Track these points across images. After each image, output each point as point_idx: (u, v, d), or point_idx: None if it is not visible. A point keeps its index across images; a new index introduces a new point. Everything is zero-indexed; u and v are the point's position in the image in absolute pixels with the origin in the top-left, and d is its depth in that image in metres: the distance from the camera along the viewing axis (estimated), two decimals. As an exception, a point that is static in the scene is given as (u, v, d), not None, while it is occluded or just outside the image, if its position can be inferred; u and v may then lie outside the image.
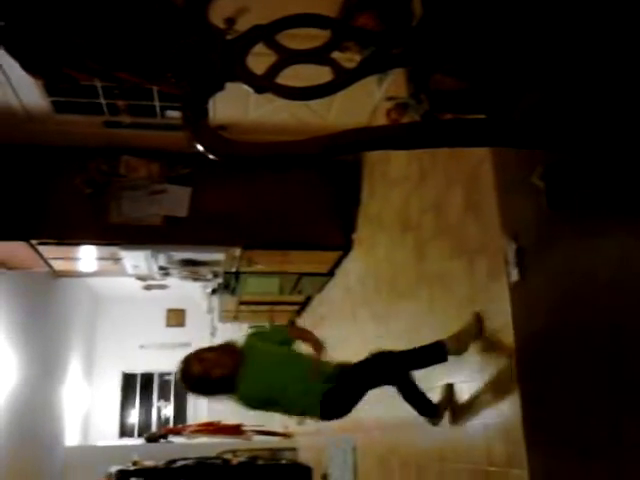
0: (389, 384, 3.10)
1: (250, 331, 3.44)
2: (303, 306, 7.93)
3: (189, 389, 2.97)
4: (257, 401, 2.95)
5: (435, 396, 3.41)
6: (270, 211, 5.22)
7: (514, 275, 2.68)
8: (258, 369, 2.88)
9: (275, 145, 1.76)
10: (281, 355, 2.99)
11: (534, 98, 1.61)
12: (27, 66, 2.09)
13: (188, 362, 2.91)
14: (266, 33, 1.75)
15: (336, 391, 2.90)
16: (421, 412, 3.22)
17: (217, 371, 2.83)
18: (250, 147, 1.78)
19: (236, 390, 2.87)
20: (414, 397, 3.18)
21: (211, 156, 1.73)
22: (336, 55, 1.78)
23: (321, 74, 1.75)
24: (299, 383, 2.87)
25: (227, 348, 2.96)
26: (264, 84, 1.71)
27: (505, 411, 2.73)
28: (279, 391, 2.88)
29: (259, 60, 1.79)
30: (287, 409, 3.05)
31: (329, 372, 2.94)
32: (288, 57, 1.73)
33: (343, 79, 1.69)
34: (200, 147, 1.73)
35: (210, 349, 2.98)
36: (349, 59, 1.91)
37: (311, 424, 7.29)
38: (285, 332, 3.38)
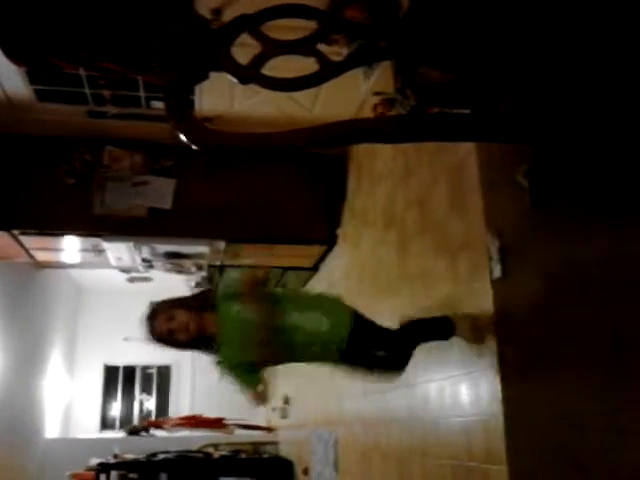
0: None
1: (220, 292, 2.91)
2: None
3: (152, 340, 2.68)
4: (235, 367, 2.63)
5: (418, 395, 3.41)
6: (255, 205, 5.19)
7: (497, 272, 2.68)
8: (235, 339, 2.61)
9: (260, 136, 1.75)
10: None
11: (518, 94, 1.61)
12: (10, 53, 2.06)
13: (155, 315, 2.63)
14: (251, 23, 1.74)
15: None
16: (440, 335, 2.92)
17: (182, 336, 2.58)
18: (234, 138, 1.77)
19: (219, 360, 2.63)
20: (421, 331, 2.88)
21: (194, 146, 1.71)
22: (324, 48, 1.77)
23: (307, 69, 1.74)
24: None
25: (202, 310, 2.64)
26: (249, 74, 1.70)
27: (486, 408, 2.74)
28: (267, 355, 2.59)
29: (244, 52, 1.78)
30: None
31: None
32: (273, 48, 1.72)
33: (329, 71, 1.68)
34: (183, 137, 1.71)
35: (184, 305, 2.64)
36: (337, 53, 1.90)
37: (295, 416, 7.29)
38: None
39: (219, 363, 2.66)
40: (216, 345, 2.62)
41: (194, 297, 2.77)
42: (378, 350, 2.84)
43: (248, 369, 2.63)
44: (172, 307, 2.65)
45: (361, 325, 2.73)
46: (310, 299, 2.86)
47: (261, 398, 2.76)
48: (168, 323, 2.58)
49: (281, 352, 2.63)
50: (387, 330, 2.84)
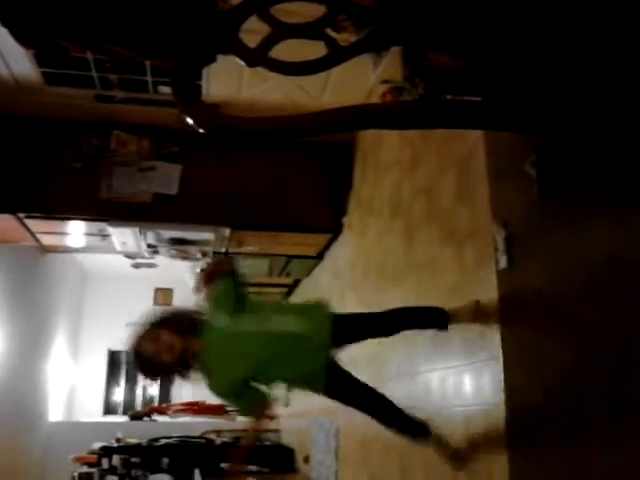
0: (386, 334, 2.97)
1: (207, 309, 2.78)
2: (291, 289, 7.92)
3: (136, 366, 2.63)
4: (233, 389, 2.60)
5: (420, 384, 3.41)
6: (261, 192, 5.19)
7: (503, 262, 2.67)
8: (225, 359, 2.57)
9: (268, 120, 1.74)
10: (252, 330, 2.60)
11: (530, 82, 1.59)
12: (18, 35, 2.05)
13: (141, 339, 2.57)
14: (261, 5, 1.72)
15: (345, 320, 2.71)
16: (409, 432, 2.87)
17: (166, 357, 2.50)
18: (242, 122, 1.76)
19: (208, 383, 2.58)
20: (396, 417, 2.84)
21: (201, 129, 1.70)
22: (332, 35, 1.76)
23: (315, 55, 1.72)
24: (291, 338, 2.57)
25: (188, 331, 2.57)
26: (257, 57, 1.69)
27: (488, 398, 2.74)
28: (257, 369, 2.56)
29: (251, 38, 1.76)
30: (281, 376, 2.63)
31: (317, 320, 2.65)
32: (282, 31, 1.70)
33: (337, 55, 1.67)
34: (190, 120, 1.71)
35: (168, 328, 2.57)
36: (345, 40, 1.88)
37: (296, 404, 7.31)
38: (227, 286, 2.75)
39: (211, 387, 2.61)
40: (203, 366, 2.56)
41: (179, 319, 2.63)
42: (366, 336, 2.86)
43: (241, 390, 2.58)
44: (155, 329, 2.57)
45: (342, 319, 2.72)
46: (286, 306, 2.82)
47: (265, 415, 2.71)
48: (152, 345, 2.52)
49: (267, 361, 2.57)
50: (371, 313, 2.88)
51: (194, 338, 2.56)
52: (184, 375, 2.61)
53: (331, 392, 2.71)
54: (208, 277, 2.87)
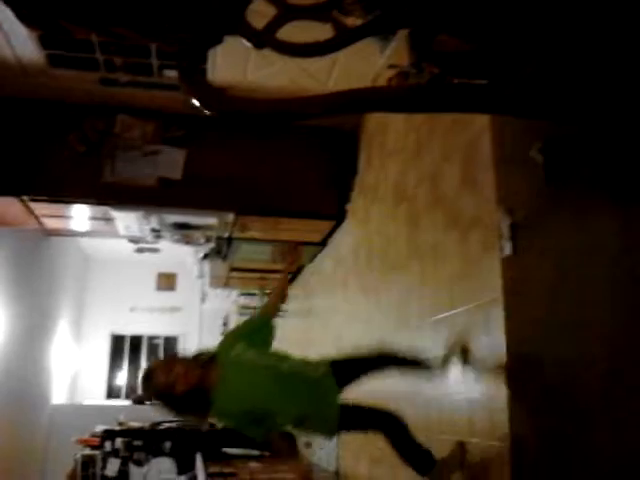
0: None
1: (223, 337, 3.03)
2: (294, 275, 7.92)
3: (154, 399, 2.65)
4: (236, 416, 2.63)
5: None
6: (265, 177, 5.17)
7: (507, 249, 2.66)
8: (235, 383, 2.61)
9: (274, 102, 1.73)
10: (262, 364, 2.71)
11: (540, 65, 1.58)
12: (23, 16, 2.03)
13: (154, 369, 2.63)
14: (268, -14, 1.70)
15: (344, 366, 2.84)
16: (416, 467, 2.80)
17: (181, 386, 2.50)
18: (247, 103, 1.74)
19: (216, 404, 2.59)
20: (407, 447, 2.80)
21: (206, 110, 1.69)
22: (340, 19, 1.74)
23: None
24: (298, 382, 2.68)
25: (200, 360, 2.64)
26: (264, 39, 1.67)
27: (491, 385, 2.74)
28: (267, 401, 2.61)
29: (257, 20, 1.74)
30: (284, 416, 2.68)
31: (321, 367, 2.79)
32: (288, 12, 1.69)
33: (345, 37, 1.65)
34: (195, 101, 1.69)
35: (181, 360, 2.64)
36: (353, 24, 1.86)
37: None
38: (258, 318, 3.06)
39: (221, 413, 2.67)
40: (216, 395, 2.57)
41: (195, 357, 2.69)
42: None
43: (252, 421, 2.60)
44: (170, 362, 2.64)
45: (340, 364, 2.84)
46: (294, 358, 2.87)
47: (287, 451, 2.91)
48: (167, 376, 2.53)
49: (274, 396, 2.62)
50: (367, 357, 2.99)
51: (209, 367, 2.61)
52: (201, 410, 2.64)
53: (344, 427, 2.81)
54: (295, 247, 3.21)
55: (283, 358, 2.78)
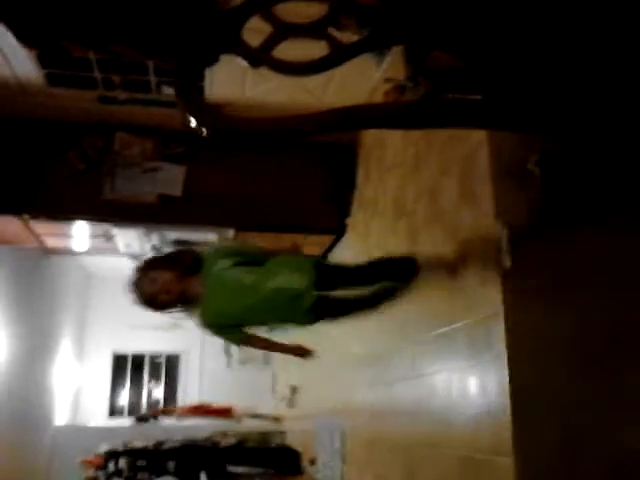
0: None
1: (212, 250, 3.07)
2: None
3: (140, 304, 2.79)
4: (215, 327, 2.79)
5: (421, 388, 3.40)
6: (264, 193, 5.19)
7: (506, 262, 2.66)
8: (216, 299, 2.73)
9: (271, 121, 1.73)
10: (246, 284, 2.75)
11: (534, 80, 1.58)
12: (21, 36, 2.05)
13: (140, 278, 2.73)
14: (263, 5, 1.71)
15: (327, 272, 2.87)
16: (401, 276, 3.11)
17: (164, 297, 2.67)
18: (245, 122, 1.75)
19: (198, 314, 2.75)
20: (383, 269, 3.08)
21: (203, 129, 1.70)
22: (335, 35, 1.75)
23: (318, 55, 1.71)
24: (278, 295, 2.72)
25: (185, 270, 2.72)
26: (260, 57, 1.68)
27: (494, 399, 2.72)
28: (246, 319, 2.77)
29: (253, 38, 1.75)
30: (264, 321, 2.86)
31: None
32: (284, 30, 1.70)
33: (340, 54, 1.66)
34: (192, 120, 1.70)
35: (167, 265, 2.73)
36: (347, 40, 1.88)
37: (302, 406, 7.30)
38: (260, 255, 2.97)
39: (202, 323, 2.77)
40: (199, 305, 2.71)
41: (177, 257, 2.81)
42: (347, 286, 2.98)
43: (231, 329, 2.78)
44: (155, 269, 2.72)
45: (325, 269, 2.88)
46: (274, 261, 2.88)
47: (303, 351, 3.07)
48: (151, 285, 2.67)
49: (256, 313, 2.74)
50: (351, 266, 3.07)
51: (193, 277, 2.71)
52: (183, 309, 2.76)
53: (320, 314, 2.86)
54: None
55: (268, 273, 2.78)
